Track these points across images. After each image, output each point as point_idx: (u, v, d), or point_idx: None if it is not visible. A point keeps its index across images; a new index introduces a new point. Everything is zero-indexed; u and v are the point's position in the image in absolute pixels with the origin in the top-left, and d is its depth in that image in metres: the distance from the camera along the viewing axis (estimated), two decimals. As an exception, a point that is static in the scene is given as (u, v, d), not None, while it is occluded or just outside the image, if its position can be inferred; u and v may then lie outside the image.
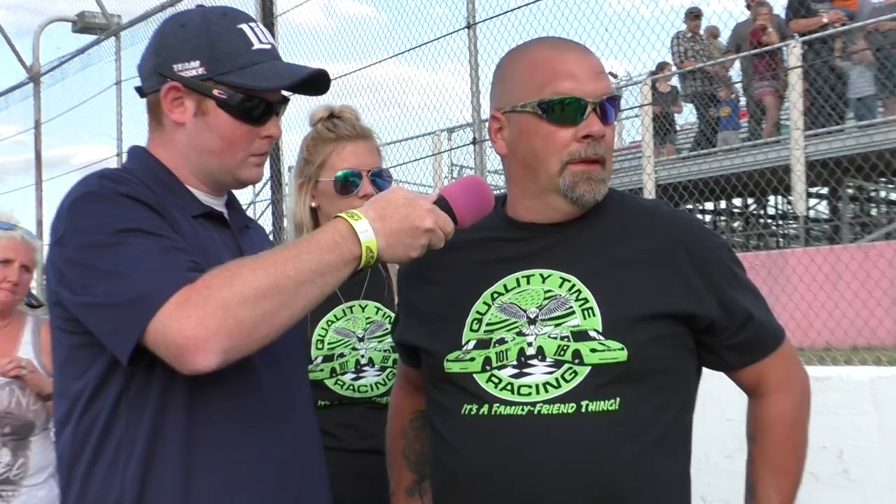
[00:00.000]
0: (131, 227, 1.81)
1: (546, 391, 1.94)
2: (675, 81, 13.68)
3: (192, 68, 1.98)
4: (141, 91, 2.08)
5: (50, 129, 15.46)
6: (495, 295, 2.05)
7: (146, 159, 2.06)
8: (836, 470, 6.03)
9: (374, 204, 1.88)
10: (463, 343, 2.04)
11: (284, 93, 2.07)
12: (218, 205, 2.10)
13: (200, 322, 1.69)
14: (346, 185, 2.91)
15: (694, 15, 13.30)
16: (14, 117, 16.97)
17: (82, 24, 15.10)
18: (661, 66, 13.19)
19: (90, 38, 14.71)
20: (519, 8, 9.38)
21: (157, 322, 1.71)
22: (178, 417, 1.88)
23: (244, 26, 2.01)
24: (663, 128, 13.11)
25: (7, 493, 3.65)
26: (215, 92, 1.97)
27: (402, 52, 10.70)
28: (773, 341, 2.12)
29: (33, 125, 15.53)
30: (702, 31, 13.76)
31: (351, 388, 2.88)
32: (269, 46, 2.02)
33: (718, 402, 6.44)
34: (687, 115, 14.50)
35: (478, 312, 2.05)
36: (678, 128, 14.93)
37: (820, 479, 6.25)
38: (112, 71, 13.31)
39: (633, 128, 13.88)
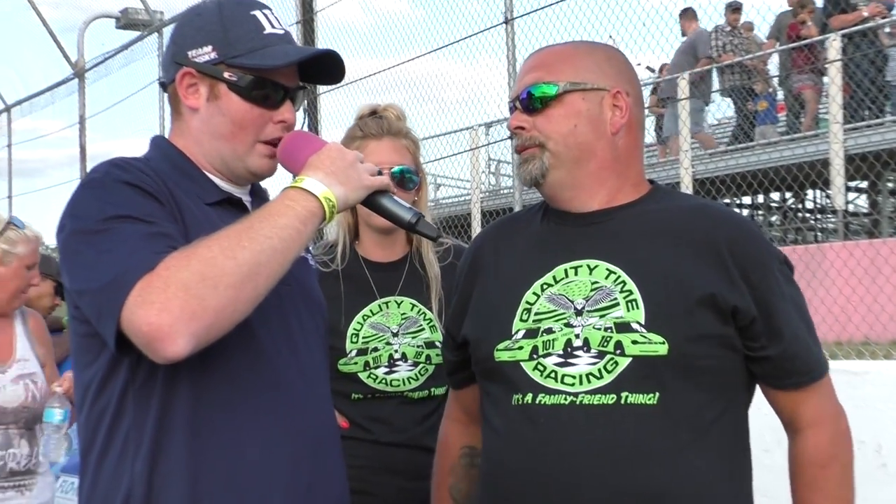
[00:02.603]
0: (121, 214, 1.81)
1: (589, 382, 1.95)
2: (713, 75, 13.60)
3: (205, 53, 1.99)
4: (164, 85, 2.10)
5: (94, 125, 15.62)
6: (545, 286, 2.06)
7: (165, 148, 2.07)
8: (875, 464, 5.98)
9: (309, 166, 1.91)
10: (513, 332, 2.05)
11: (303, 83, 2.08)
12: (239, 192, 2.10)
13: (164, 307, 1.68)
14: None
15: (734, 8, 13.22)
16: (59, 112, 17.16)
17: (126, 21, 15.23)
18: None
19: (133, 34, 14.83)
20: (557, 3, 9.35)
21: (126, 310, 1.70)
22: (185, 409, 1.88)
23: (257, 12, 2.02)
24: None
25: (28, 483, 3.69)
26: (226, 75, 1.98)
27: (440, 48, 10.71)
28: (812, 371, 2.06)
29: (78, 120, 15.67)
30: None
31: (383, 381, 2.89)
32: (281, 31, 2.03)
33: (757, 398, 6.41)
34: (725, 109, 14.45)
35: (527, 303, 2.06)
36: (714, 121, 14.91)
37: (859, 471, 6.19)
38: (155, 67, 13.40)
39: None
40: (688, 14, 13.04)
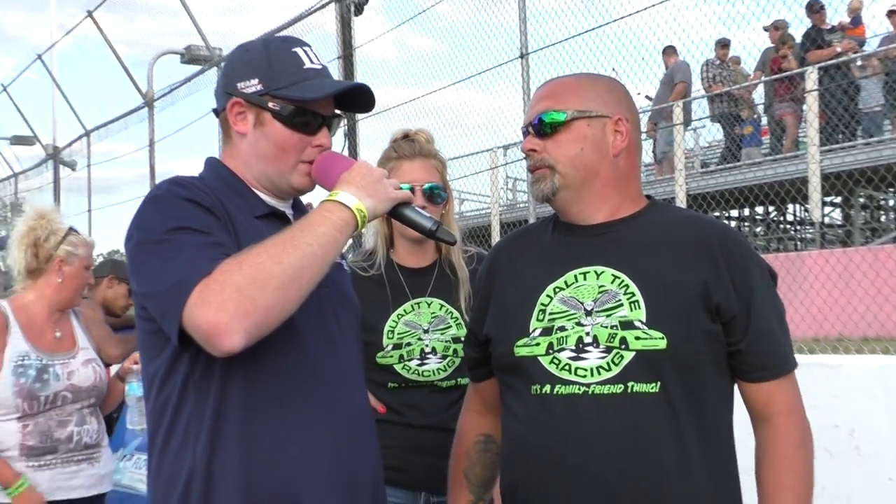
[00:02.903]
0: (181, 226, 1.83)
1: (599, 374, 1.95)
2: (704, 103, 13.57)
3: (252, 85, 2.00)
4: (216, 112, 2.11)
5: (161, 147, 15.71)
6: (557, 289, 2.06)
7: (218, 168, 2.09)
8: (849, 446, 5.94)
9: (342, 181, 1.93)
10: (531, 331, 2.05)
11: (338, 111, 2.09)
12: (282, 206, 2.10)
13: (220, 307, 1.69)
14: None
15: (723, 44, 13.19)
16: (131, 137, 17.27)
17: (189, 57, 15.33)
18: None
19: (195, 68, 14.91)
20: (567, 40, 9.35)
21: (187, 310, 1.72)
22: (238, 397, 1.89)
23: (298, 49, 2.04)
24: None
25: (96, 455, 3.70)
26: (270, 105, 1.99)
27: (463, 80, 10.71)
28: (784, 365, 2.05)
29: (147, 144, 15.77)
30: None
31: (416, 372, 2.89)
32: (319, 66, 2.04)
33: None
34: (714, 133, 14.41)
35: (542, 304, 2.06)
36: (706, 144, 14.88)
37: (833, 454, 6.16)
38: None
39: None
40: (668, 50, 13.05)
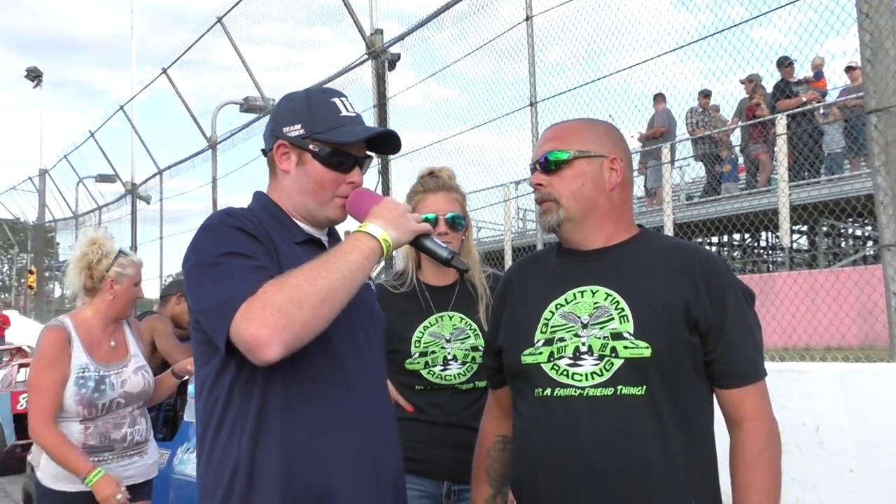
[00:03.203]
0: (231, 251, 1.84)
1: (592, 378, 1.94)
2: (688, 145, 13.53)
3: (296, 130, 2.01)
4: (265, 152, 2.12)
5: (223, 184, 15.81)
6: (558, 306, 2.05)
7: (264, 200, 2.09)
8: (814, 442, 5.89)
9: (371, 214, 1.93)
10: (535, 341, 2.04)
11: (369, 153, 2.09)
12: (319, 234, 2.10)
13: (262, 322, 1.70)
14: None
15: (704, 95, 13.15)
16: (198, 175, 17.41)
17: (247, 106, 15.46)
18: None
19: (252, 116, 15.01)
20: (570, 90, 9.37)
21: (234, 324, 1.73)
22: (278, 400, 1.88)
23: (336, 100, 2.04)
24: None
25: (145, 448, 3.71)
26: (311, 147, 2.00)
27: (481, 125, 10.75)
28: (753, 374, 2.00)
29: (211, 180, 15.88)
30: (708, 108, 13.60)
31: (439, 377, 2.89)
32: (354, 114, 2.04)
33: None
34: (697, 171, 14.36)
35: (545, 319, 2.05)
36: (690, 180, 14.83)
37: (802, 448, 6.10)
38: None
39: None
40: (658, 97, 13.00)
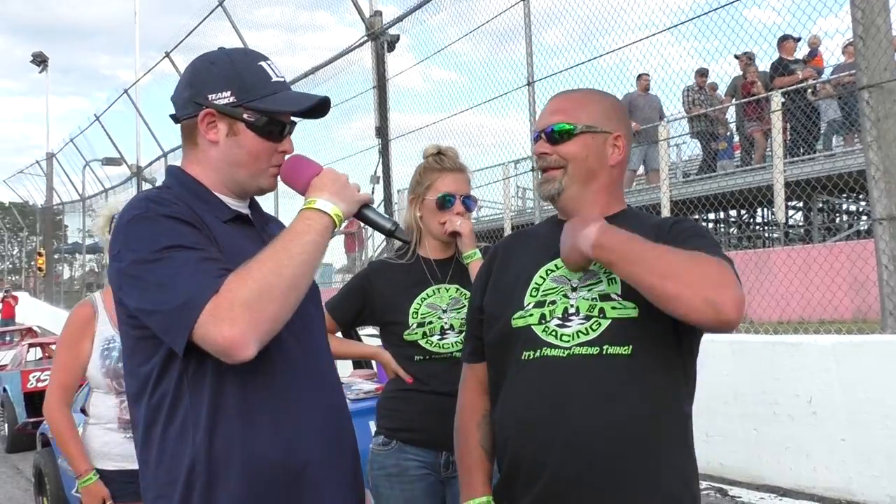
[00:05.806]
0: (173, 244, 1.70)
1: (578, 338, 1.93)
2: (684, 123, 13.51)
3: (224, 97, 1.85)
4: (175, 118, 1.94)
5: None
6: (549, 271, 2.05)
7: (181, 176, 1.92)
8: (807, 412, 5.93)
9: (314, 189, 1.83)
10: (525, 305, 2.04)
11: (294, 118, 1.96)
12: (242, 207, 1.96)
13: (233, 323, 1.61)
14: (444, 203, 2.96)
15: (701, 73, 13.10)
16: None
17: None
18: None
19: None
20: (567, 70, 9.37)
21: (199, 328, 1.62)
22: (234, 389, 1.77)
23: (263, 63, 1.90)
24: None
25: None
26: (245, 116, 1.85)
27: (479, 104, 10.74)
28: (712, 251, 1.87)
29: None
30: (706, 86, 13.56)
31: (437, 346, 2.90)
32: (282, 79, 1.92)
33: (718, 361, 6.35)
34: (693, 149, 14.35)
35: (536, 283, 2.05)
36: (686, 157, 14.82)
37: (795, 418, 6.14)
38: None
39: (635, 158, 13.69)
40: (642, 78, 12.93)
